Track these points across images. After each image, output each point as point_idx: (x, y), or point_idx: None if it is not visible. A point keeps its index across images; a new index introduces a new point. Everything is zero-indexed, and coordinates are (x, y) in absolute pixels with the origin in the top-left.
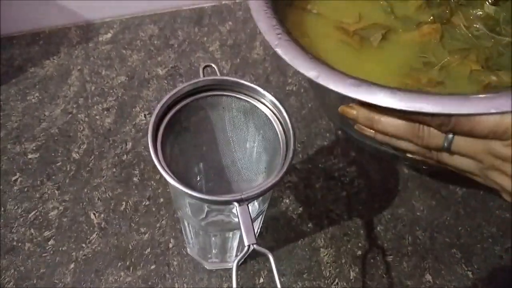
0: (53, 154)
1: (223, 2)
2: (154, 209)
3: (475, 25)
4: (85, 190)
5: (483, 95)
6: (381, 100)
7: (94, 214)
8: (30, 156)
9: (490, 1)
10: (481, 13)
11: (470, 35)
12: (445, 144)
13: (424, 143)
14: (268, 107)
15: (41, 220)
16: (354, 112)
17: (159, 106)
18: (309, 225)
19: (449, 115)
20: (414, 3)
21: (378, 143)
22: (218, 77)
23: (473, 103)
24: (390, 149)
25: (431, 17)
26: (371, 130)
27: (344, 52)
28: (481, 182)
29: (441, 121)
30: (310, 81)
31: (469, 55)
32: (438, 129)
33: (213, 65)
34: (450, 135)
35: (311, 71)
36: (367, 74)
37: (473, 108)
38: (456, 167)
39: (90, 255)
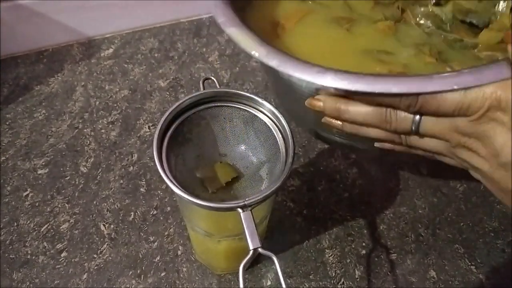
0: (61, 169)
1: None
2: (161, 218)
3: (422, 22)
4: (94, 202)
5: (446, 74)
6: (351, 85)
7: (104, 225)
8: (39, 171)
9: (433, 1)
10: (429, 10)
11: (422, 31)
12: (413, 128)
13: (393, 128)
14: (267, 115)
15: (53, 233)
16: (320, 104)
17: (162, 119)
18: (313, 227)
19: (416, 94)
20: (369, 3)
21: (346, 136)
22: (218, 89)
23: (437, 81)
24: (358, 142)
25: (382, 17)
26: (339, 122)
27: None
28: (449, 162)
29: (409, 102)
30: (276, 85)
31: (423, 49)
32: (406, 111)
33: (212, 78)
34: (417, 117)
35: (274, 60)
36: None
37: (438, 86)
38: (424, 149)
39: (102, 265)
